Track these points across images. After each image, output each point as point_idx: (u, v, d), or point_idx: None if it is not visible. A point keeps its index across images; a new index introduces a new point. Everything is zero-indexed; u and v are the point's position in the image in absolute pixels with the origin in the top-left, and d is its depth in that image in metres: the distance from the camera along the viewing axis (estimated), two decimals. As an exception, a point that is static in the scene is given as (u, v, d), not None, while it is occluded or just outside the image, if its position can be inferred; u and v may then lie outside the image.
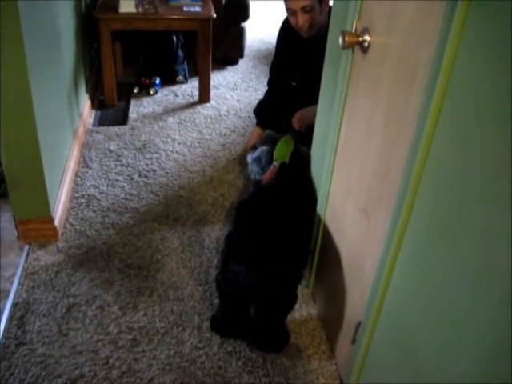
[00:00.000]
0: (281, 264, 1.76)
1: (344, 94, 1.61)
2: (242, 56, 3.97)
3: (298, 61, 2.54)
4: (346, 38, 1.43)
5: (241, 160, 2.85)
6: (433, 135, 1.08)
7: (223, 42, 3.78)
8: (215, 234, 2.33)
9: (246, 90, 3.64)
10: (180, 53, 3.56)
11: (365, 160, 1.50)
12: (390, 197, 1.30)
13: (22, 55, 1.83)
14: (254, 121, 3.20)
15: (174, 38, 3.49)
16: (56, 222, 2.22)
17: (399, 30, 1.26)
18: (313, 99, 2.45)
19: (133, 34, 3.38)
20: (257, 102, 3.41)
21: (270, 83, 2.81)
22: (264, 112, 2.77)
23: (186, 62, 3.64)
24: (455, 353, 1.04)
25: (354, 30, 1.49)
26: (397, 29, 1.27)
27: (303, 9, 2.24)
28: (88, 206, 2.46)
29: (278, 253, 1.76)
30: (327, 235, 1.88)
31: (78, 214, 2.41)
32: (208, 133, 3.11)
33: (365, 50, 1.44)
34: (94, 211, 2.43)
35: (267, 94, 2.79)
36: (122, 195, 2.54)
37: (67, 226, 2.33)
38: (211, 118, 3.26)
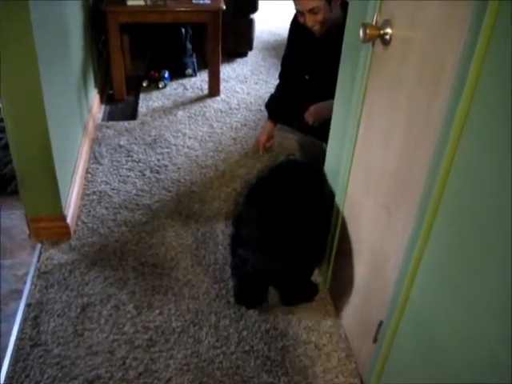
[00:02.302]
0: (297, 254, 1.78)
1: (363, 88, 1.57)
2: (251, 48, 3.92)
3: (311, 54, 2.49)
4: (368, 31, 1.38)
5: (253, 154, 2.81)
6: (459, 139, 1.04)
7: (232, 34, 3.73)
8: (229, 230, 2.29)
9: (256, 83, 3.59)
10: (188, 45, 3.51)
11: (385, 158, 1.46)
12: (414, 196, 1.26)
13: (33, 51, 1.80)
14: (265, 114, 3.15)
15: (183, 30, 3.45)
16: (68, 220, 2.20)
17: (423, 25, 1.21)
18: (326, 93, 2.41)
19: (141, 26, 3.33)
20: (267, 95, 3.37)
21: (281, 76, 2.76)
22: (276, 106, 2.72)
23: (194, 55, 3.59)
24: (481, 351, 1.01)
25: (374, 23, 1.45)
26: (420, 23, 1.22)
27: (311, 11, 2.19)
28: (100, 202, 2.43)
29: (294, 241, 1.78)
30: (345, 230, 1.84)
31: (90, 211, 2.38)
32: (219, 127, 3.07)
33: (386, 43, 1.39)
34: (106, 208, 2.40)
35: (279, 87, 2.74)
36: (134, 191, 2.51)
37: (79, 223, 2.30)
38: (221, 112, 3.22)
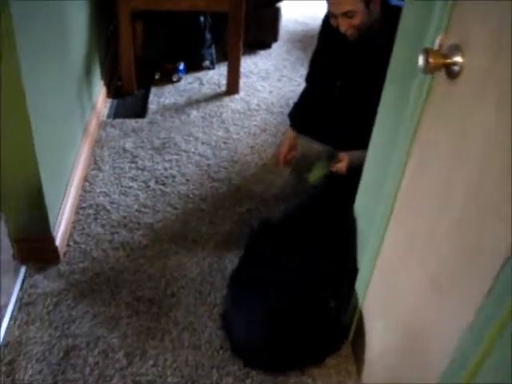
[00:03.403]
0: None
1: (413, 127, 1.25)
2: (275, 39, 3.58)
3: (344, 60, 2.16)
4: (431, 59, 1.06)
5: (272, 167, 2.51)
6: None
7: (256, 24, 3.39)
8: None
9: (279, 80, 3.27)
10: (207, 35, 3.19)
11: (440, 223, 1.15)
12: (482, 280, 0.95)
13: (11, 41, 1.49)
14: (287, 118, 2.85)
15: (202, 18, 3.12)
16: (57, 242, 1.92)
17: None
18: (357, 105, 2.10)
19: (155, 13, 3.01)
20: (291, 94, 3.06)
21: (308, 80, 2.42)
22: (300, 114, 2.40)
23: (213, 46, 3.27)
24: None
25: (437, 47, 1.13)
26: (509, 53, 0.90)
27: (345, 14, 1.86)
28: (96, 219, 2.15)
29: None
30: (375, 287, 1.55)
31: (84, 228, 2.10)
32: (236, 131, 2.76)
33: (454, 75, 1.06)
34: (103, 226, 2.12)
35: (305, 93, 2.41)
36: (136, 206, 2.23)
37: (71, 243, 2.03)
38: (240, 113, 2.91)
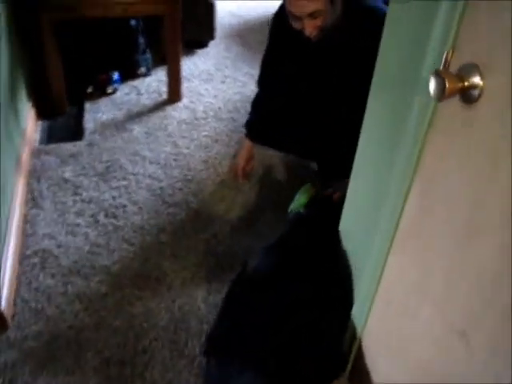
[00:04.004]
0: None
1: (415, 154, 1.10)
2: (212, 37, 3.35)
3: (306, 61, 1.97)
4: (448, 84, 0.89)
5: (230, 183, 2.32)
6: None
7: (190, 22, 3.15)
8: (213, 298, 1.82)
9: (223, 82, 3.06)
10: (141, 40, 2.93)
11: (461, 263, 1.00)
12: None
13: None
14: (238, 124, 2.67)
15: (133, 22, 2.85)
16: (2, 305, 1.67)
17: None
18: (326, 110, 1.94)
19: (82, 20, 2.72)
20: (237, 97, 2.88)
21: (262, 84, 2.22)
22: (257, 123, 2.21)
23: (147, 51, 3.01)
24: None
25: (445, 64, 0.96)
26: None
27: (311, 15, 1.68)
28: (43, 268, 1.90)
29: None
30: (377, 319, 1.41)
31: (31, 282, 1.85)
32: (185, 145, 2.54)
33: (472, 100, 0.90)
34: (53, 276, 1.87)
35: (259, 100, 2.21)
36: (87, 247, 1.99)
37: (19, 302, 1.78)
38: (186, 124, 2.69)
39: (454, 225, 1.01)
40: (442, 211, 1.04)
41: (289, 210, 1.80)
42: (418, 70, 1.08)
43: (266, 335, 1.46)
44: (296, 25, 1.75)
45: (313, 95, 2.00)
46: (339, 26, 1.77)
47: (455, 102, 0.94)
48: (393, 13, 1.21)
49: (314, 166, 2.39)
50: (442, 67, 0.95)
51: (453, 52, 0.94)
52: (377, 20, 1.39)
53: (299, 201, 1.77)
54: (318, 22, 1.71)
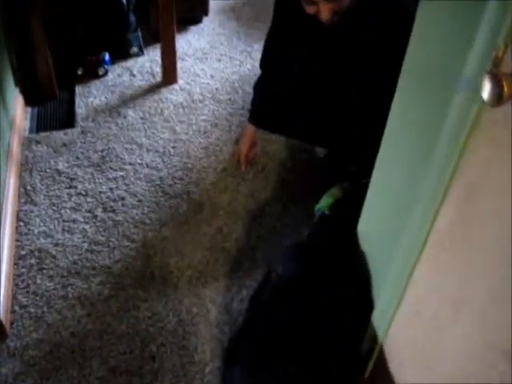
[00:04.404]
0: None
1: (454, 158, 1.00)
2: (206, 13, 3.19)
3: (319, 43, 1.84)
4: (506, 88, 0.78)
5: (233, 170, 2.21)
6: None
7: (182, -3, 2.98)
8: (222, 298, 1.74)
9: (219, 60, 2.91)
10: (132, 17, 2.76)
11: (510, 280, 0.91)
12: None
13: None
14: (237, 106, 2.55)
15: (123, -2, 2.69)
16: (0, 312, 1.57)
17: None
18: (341, 95, 1.84)
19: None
20: (234, 76, 2.75)
21: (266, 65, 2.08)
22: (262, 108, 2.09)
23: (139, 29, 2.85)
24: None
25: (493, 65, 0.86)
26: None
27: None
28: (41, 269, 1.80)
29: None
30: (402, 325, 1.33)
31: (28, 285, 1.75)
32: (183, 130, 2.42)
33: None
34: (51, 278, 1.77)
35: (263, 83, 2.08)
36: (85, 245, 1.88)
37: (17, 308, 1.68)
38: (183, 107, 2.56)
39: (501, 240, 0.92)
40: (488, 223, 0.95)
41: (315, 209, 1.72)
42: (458, 67, 0.97)
43: (289, 340, 1.39)
44: (310, 9, 1.63)
45: (325, 79, 1.88)
46: (354, 9, 1.65)
47: (507, 110, 0.84)
48: (427, 3, 1.09)
49: (320, 151, 2.30)
50: (492, 67, 0.84)
51: (505, 49, 0.84)
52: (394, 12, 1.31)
53: (326, 201, 1.69)
54: (334, 5, 1.58)
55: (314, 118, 1.97)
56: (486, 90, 0.80)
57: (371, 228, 1.45)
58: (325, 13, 1.56)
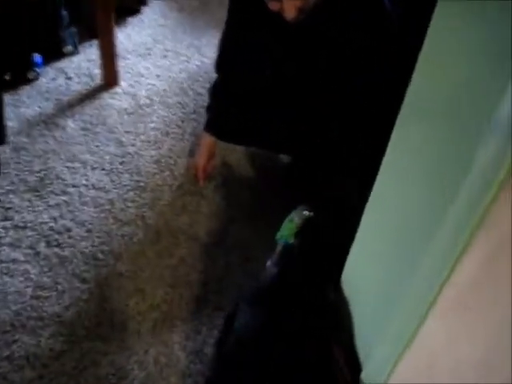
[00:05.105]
0: None
1: (481, 208, 0.84)
2: (145, 2, 2.91)
3: (289, 42, 1.64)
4: None
5: (190, 186, 2.01)
6: None
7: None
8: (192, 343, 1.55)
9: (165, 56, 2.66)
10: (63, 12, 2.46)
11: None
12: None
13: None
14: (188, 110, 2.34)
15: (52, -9, 2.38)
16: None
17: None
18: (314, 98, 1.68)
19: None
20: (183, 75, 2.52)
21: (223, 67, 1.86)
22: (221, 117, 1.89)
23: (72, 25, 2.55)
24: None
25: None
26: None
27: None
28: (-21, 324, 1.55)
29: None
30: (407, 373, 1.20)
31: (-35, 346, 1.50)
32: (130, 142, 2.18)
33: None
34: (-8, 334, 1.54)
35: (221, 87, 1.87)
36: (29, 290, 1.65)
37: (-48, 377, 1.44)
38: (128, 114, 2.31)
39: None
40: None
41: (276, 238, 1.52)
42: (489, 97, 0.80)
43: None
44: (273, 6, 1.44)
45: (300, 77, 1.70)
46: (321, 6, 1.47)
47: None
48: (444, 14, 0.92)
49: (284, 158, 2.13)
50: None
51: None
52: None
53: (287, 228, 1.49)
54: (299, 2, 1.40)
55: (287, 117, 1.79)
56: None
57: (361, 274, 1.29)
58: (289, 11, 1.40)
